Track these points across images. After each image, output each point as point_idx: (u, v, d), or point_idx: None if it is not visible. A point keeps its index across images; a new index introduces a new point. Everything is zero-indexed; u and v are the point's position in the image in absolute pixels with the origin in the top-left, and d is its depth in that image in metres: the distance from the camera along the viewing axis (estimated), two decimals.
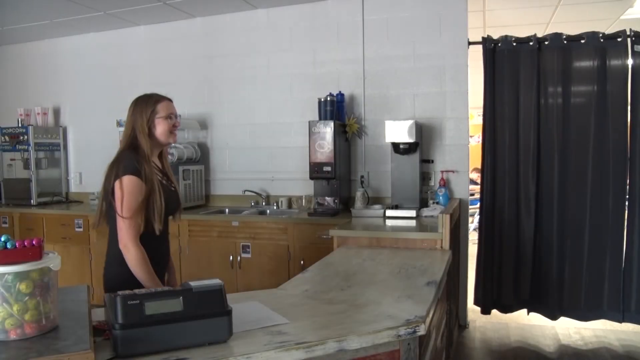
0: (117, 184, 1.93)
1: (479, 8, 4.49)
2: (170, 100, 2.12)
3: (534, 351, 3.66)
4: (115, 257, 2.00)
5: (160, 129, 2.04)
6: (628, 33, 3.72)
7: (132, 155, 1.98)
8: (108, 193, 1.97)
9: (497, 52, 3.96)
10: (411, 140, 3.80)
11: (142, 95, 2.11)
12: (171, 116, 2.07)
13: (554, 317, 3.91)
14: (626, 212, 3.74)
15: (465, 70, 4.11)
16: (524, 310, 4.04)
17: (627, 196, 3.76)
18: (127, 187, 1.92)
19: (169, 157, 4.08)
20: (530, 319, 4.11)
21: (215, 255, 4.16)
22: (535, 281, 3.94)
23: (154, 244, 2.02)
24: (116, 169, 1.95)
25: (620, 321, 3.80)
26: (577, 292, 3.88)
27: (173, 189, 2.15)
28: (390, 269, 2.44)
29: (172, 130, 2.07)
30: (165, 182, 2.09)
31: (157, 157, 2.14)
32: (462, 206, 4.11)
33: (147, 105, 2.04)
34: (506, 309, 3.99)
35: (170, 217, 2.16)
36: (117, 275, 1.97)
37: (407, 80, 4.27)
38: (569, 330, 3.96)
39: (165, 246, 2.17)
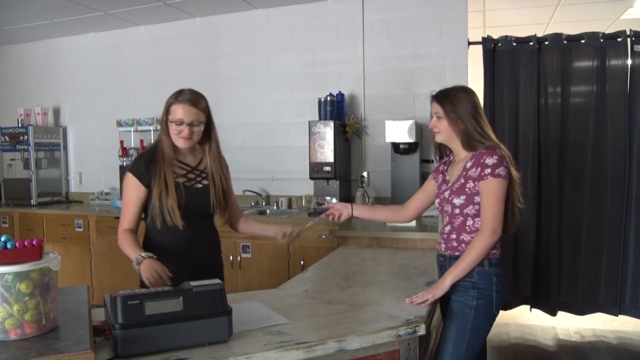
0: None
1: (479, 8, 4.49)
2: (189, 104, 1.99)
3: (534, 347, 3.68)
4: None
5: (171, 131, 2.02)
6: (628, 33, 3.72)
7: (145, 154, 2.08)
8: None
9: (497, 52, 3.96)
10: (411, 140, 3.80)
11: (176, 90, 2.06)
12: (180, 122, 1.98)
13: (553, 312, 3.92)
14: (624, 210, 3.75)
15: (465, 70, 4.11)
16: (524, 308, 4.05)
17: (625, 194, 3.77)
18: (124, 183, 2.06)
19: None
20: (530, 318, 4.13)
21: None
22: (535, 278, 3.95)
23: (173, 240, 2.04)
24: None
25: (616, 314, 3.83)
26: (574, 287, 3.91)
27: (201, 186, 2.09)
28: (390, 269, 2.44)
29: (178, 135, 2.00)
30: (181, 181, 2.04)
31: (191, 154, 2.11)
32: None
33: (166, 103, 2.04)
34: (505, 305, 4.00)
35: (219, 217, 2.18)
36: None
37: (407, 80, 4.27)
38: (568, 330, 3.97)
39: (197, 242, 2.10)
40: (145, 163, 2.02)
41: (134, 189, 2.02)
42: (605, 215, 3.81)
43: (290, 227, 2.28)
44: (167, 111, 2.02)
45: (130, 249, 1.95)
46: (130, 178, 2.03)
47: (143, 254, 1.87)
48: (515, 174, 1.90)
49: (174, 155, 2.06)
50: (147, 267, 1.82)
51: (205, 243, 2.17)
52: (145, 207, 2.06)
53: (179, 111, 1.99)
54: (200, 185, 2.10)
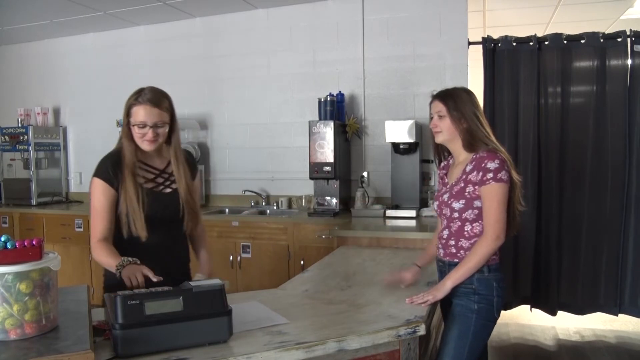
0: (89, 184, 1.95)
1: (479, 8, 4.49)
2: (150, 104, 1.87)
3: (533, 346, 3.68)
4: None
5: (134, 134, 1.90)
6: (628, 33, 3.72)
7: (110, 157, 1.94)
8: None
9: (497, 52, 3.96)
10: (411, 140, 3.80)
11: (136, 89, 1.95)
12: (143, 125, 1.87)
13: (553, 312, 3.92)
14: (624, 209, 3.76)
15: (465, 70, 4.11)
16: (524, 308, 4.05)
17: (625, 195, 3.77)
18: (91, 189, 1.92)
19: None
20: (530, 318, 4.13)
21: (215, 255, 4.14)
22: (535, 278, 3.96)
23: (140, 250, 1.85)
24: (94, 169, 1.95)
25: (616, 314, 3.83)
26: (575, 287, 3.91)
27: (170, 190, 1.98)
28: (390, 269, 2.44)
29: (142, 138, 1.89)
30: (150, 187, 1.95)
31: (158, 156, 2.00)
32: None
33: (125, 105, 1.91)
34: (506, 305, 4.00)
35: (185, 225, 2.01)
36: (112, 279, 1.86)
37: (407, 80, 4.27)
38: (568, 330, 3.97)
39: (166, 251, 1.97)
40: (113, 166, 1.90)
41: (104, 194, 1.89)
42: (605, 215, 3.81)
43: (206, 276, 2.05)
44: (127, 113, 1.89)
45: (109, 258, 1.81)
46: (98, 183, 1.89)
47: (126, 259, 1.75)
48: (516, 177, 1.89)
49: (141, 158, 1.95)
50: (129, 270, 1.71)
51: (174, 252, 2.04)
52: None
53: (141, 113, 1.87)
54: (169, 190, 1.99)
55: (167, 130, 1.93)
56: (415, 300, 1.83)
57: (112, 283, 1.82)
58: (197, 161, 4.60)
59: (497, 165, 1.83)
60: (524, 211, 1.99)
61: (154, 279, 1.66)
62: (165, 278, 1.71)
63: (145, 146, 1.91)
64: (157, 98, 1.91)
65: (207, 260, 2.17)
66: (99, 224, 1.90)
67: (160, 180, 1.99)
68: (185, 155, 2.06)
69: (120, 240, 1.91)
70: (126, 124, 1.91)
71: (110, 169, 1.90)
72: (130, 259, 1.76)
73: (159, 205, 1.95)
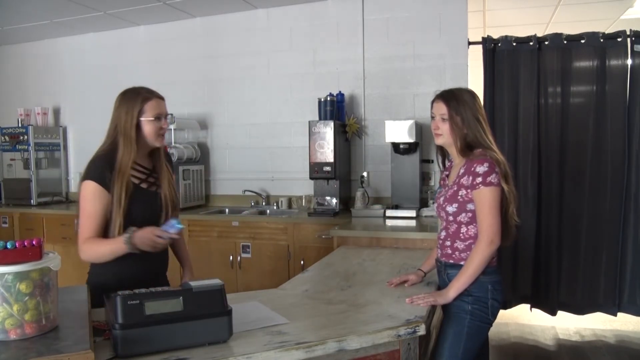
0: (80, 186, 1.87)
1: (479, 8, 4.49)
2: (160, 97, 1.94)
3: (533, 346, 3.69)
4: (96, 264, 1.95)
5: (146, 130, 1.89)
6: (628, 33, 3.72)
7: (102, 159, 1.86)
8: None
9: (497, 52, 3.96)
10: (411, 140, 3.80)
11: (129, 89, 1.94)
12: (160, 117, 1.90)
13: (553, 312, 3.92)
14: (624, 209, 3.76)
15: (465, 70, 4.11)
16: (523, 308, 4.06)
17: (624, 195, 3.77)
18: (84, 192, 1.85)
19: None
20: (530, 318, 4.13)
21: (215, 255, 4.16)
22: (535, 278, 3.96)
23: (135, 253, 1.81)
24: (83, 173, 1.87)
25: (615, 314, 3.83)
26: (574, 287, 3.92)
27: (158, 191, 1.96)
28: (390, 269, 2.44)
29: (159, 132, 1.91)
30: (145, 186, 1.93)
31: (148, 156, 2.00)
32: None
33: (134, 103, 1.88)
34: (505, 305, 4.00)
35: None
36: (98, 284, 1.87)
37: (407, 80, 4.27)
38: (568, 329, 3.97)
39: (154, 255, 1.88)
40: (107, 168, 1.83)
41: (100, 198, 1.82)
42: (604, 214, 3.81)
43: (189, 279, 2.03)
44: (140, 111, 1.87)
45: (108, 243, 1.80)
46: (92, 187, 1.82)
47: (127, 233, 1.75)
48: (506, 186, 1.84)
49: (134, 158, 1.90)
50: (141, 240, 1.75)
51: (161, 253, 1.98)
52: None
53: (159, 105, 1.90)
54: (158, 191, 1.97)
55: None
56: (415, 300, 1.83)
57: (98, 281, 1.87)
58: (197, 161, 4.68)
59: (486, 169, 1.82)
60: (524, 210, 1.98)
61: (175, 237, 1.79)
62: (150, 278, 1.82)
63: (160, 141, 1.93)
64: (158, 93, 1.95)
65: (189, 261, 2.20)
66: (90, 228, 1.84)
67: (151, 180, 1.98)
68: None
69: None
70: (135, 125, 1.87)
71: (106, 171, 1.83)
72: (129, 229, 1.77)
73: (153, 205, 1.94)
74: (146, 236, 1.76)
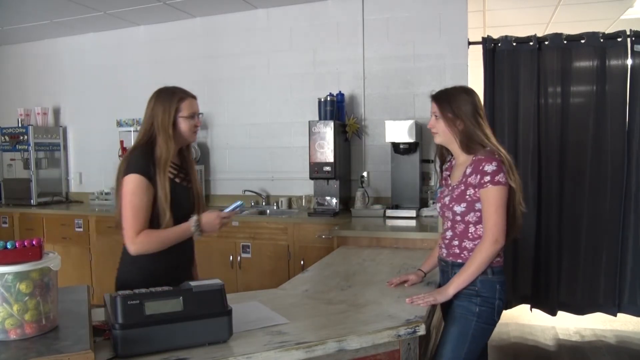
0: (123, 182, 1.89)
1: (479, 8, 4.49)
2: (194, 97, 2.05)
3: (533, 346, 3.69)
4: (127, 260, 1.98)
5: (182, 128, 1.98)
6: (628, 33, 3.72)
7: (143, 153, 1.92)
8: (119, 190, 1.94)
9: (497, 52, 3.96)
10: (411, 140, 3.80)
11: (164, 88, 2.04)
12: (194, 115, 2.01)
13: (553, 312, 3.92)
14: (624, 209, 3.76)
15: (465, 70, 4.11)
16: (524, 308, 4.05)
17: (624, 195, 3.77)
18: (131, 186, 1.87)
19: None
20: (530, 318, 4.13)
21: (215, 255, 4.16)
22: (535, 278, 3.96)
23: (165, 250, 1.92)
24: (124, 167, 1.90)
25: (615, 314, 3.83)
26: (574, 287, 3.92)
27: (190, 186, 2.07)
28: (390, 269, 2.44)
29: (194, 130, 2.03)
30: (179, 181, 2.02)
31: (177, 154, 2.08)
32: None
33: (170, 102, 1.97)
34: (506, 305, 4.00)
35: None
36: (128, 281, 1.92)
37: (407, 80, 4.27)
38: (568, 329, 3.97)
39: (186, 245, 2.05)
40: (150, 162, 1.90)
41: (147, 191, 1.87)
42: (604, 214, 3.81)
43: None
44: (177, 109, 1.97)
45: (172, 231, 1.89)
46: (140, 180, 1.87)
47: (193, 220, 1.89)
48: (514, 182, 1.86)
49: None
50: (209, 225, 1.90)
51: (187, 248, 2.10)
52: None
53: (193, 104, 2.02)
54: (189, 186, 2.07)
55: None
56: (415, 300, 1.83)
57: (128, 279, 1.93)
58: (197, 161, 4.69)
59: (494, 168, 1.82)
60: (524, 211, 1.98)
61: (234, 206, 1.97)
62: (179, 273, 1.96)
63: (194, 137, 2.05)
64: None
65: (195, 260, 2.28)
66: (140, 221, 1.86)
67: (182, 175, 2.07)
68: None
69: None
70: (172, 122, 1.95)
71: (150, 165, 1.89)
72: (193, 218, 1.90)
73: (188, 199, 2.04)
74: (212, 221, 1.92)
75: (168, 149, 1.93)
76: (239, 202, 2.02)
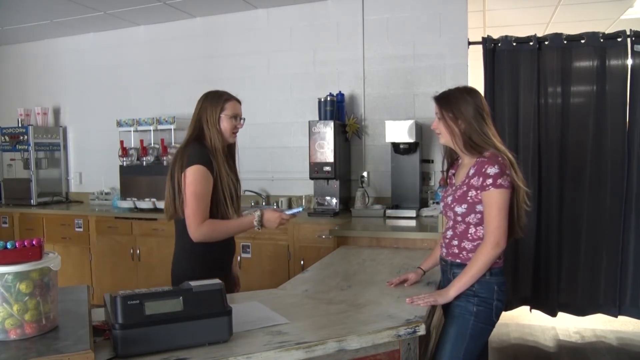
0: (184, 174, 2.02)
1: (479, 8, 4.49)
2: (238, 101, 2.22)
3: (533, 347, 3.69)
4: (184, 250, 2.11)
5: (223, 126, 2.14)
6: (628, 33, 3.72)
7: (198, 147, 2.08)
8: (180, 184, 2.04)
9: (497, 52, 3.96)
10: (411, 140, 3.80)
11: (212, 91, 2.20)
12: (236, 117, 2.18)
13: (553, 313, 3.92)
14: (624, 209, 3.75)
15: (465, 70, 4.11)
16: (524, 309, 4.05)
17: (624, 195, 3.77)
18: (196, 175, 2.01)
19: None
20: (530, 319, 4.12)
21: None
22: (535, 278, 3.96)
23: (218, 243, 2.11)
24: (183, 160, 2.04)
25: (616, 315, 3.83)
26: (574, 288, 3.92)
27: (237, 180, 2.27)
28: (390, 269, 2.44)
29: (234, 130, 2.19)
30: (230, 173, 2.19)
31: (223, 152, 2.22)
32: None
33: (217, 101, 2.14)
34: (506, 306, 4.00)
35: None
36: (185, 271, 2.05)
37: (407, 80, 4.27)
38: (568, 330, 3.97)
39: (234, 238, 2.29)
40: (209, 154, 2.07)
41: (209, 181, 2.04)
42: (605, 215, 3.81)
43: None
44: (222, 108, 2.13)
45: (237, 223, 2.08)
46: (203, 171, 2.03)
47: (256, 217, 2.06)
48: (518, 182, 1.86)
49: None
50: (270, 223, 2.08)
51: (234, 241, 2.32)
52: None
53: (236, 106, 2.19)
54: (237, 180, 2.29)
55: None
56: (415, 300, 1.83)
57: (187, 269, 2.06)
58: None
59: (497, 171, 1.81)
60: (528, 210, 1.98)
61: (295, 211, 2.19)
62: (231, 258, 2.26)
63: (233, 138, 2.22)
64: None
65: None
66: (203, 209, 2.01)
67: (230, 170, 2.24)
68: None
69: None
70: (218, 118, 2.12)
71: (210, 156, 2.07)
72: (256, 215, 2.08)
73: (237, 192, 2.23)
74: (274, 219, 2.10)
75: (218, 139, 2.12)
76: (300, 208, 2.28)
